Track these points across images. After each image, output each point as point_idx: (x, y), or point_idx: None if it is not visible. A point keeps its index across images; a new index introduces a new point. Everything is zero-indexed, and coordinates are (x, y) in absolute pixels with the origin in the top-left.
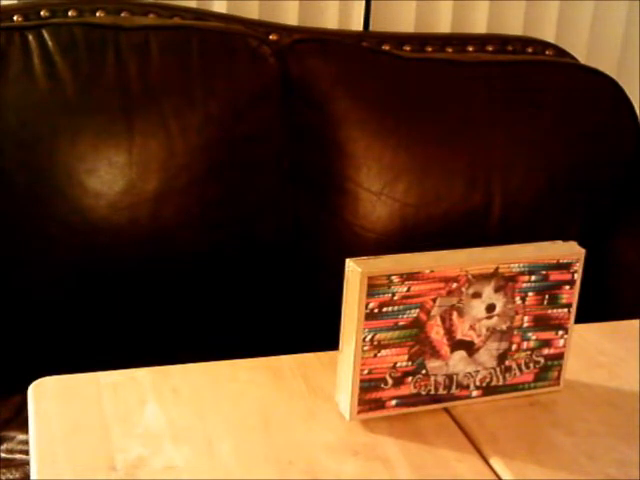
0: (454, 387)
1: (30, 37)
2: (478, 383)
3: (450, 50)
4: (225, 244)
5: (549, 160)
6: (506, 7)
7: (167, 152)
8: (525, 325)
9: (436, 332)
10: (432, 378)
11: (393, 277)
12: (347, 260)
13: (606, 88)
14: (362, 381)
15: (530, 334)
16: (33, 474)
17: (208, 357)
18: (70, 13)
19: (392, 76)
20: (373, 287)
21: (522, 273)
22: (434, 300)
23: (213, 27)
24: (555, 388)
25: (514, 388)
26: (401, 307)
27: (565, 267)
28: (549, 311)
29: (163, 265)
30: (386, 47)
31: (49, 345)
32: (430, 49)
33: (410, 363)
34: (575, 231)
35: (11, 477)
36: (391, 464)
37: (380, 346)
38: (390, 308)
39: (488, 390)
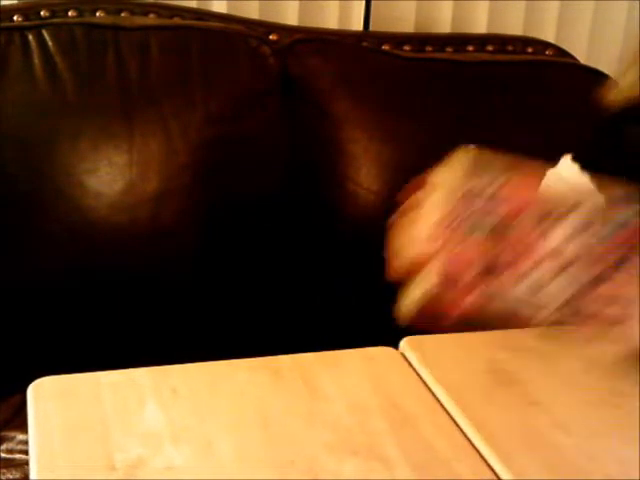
0: (527, 305)
1: (30, 37)
2: (551, 306)
3: (450, 50)
4: (225, 244)
5: (549, 160)
6: (506, 7)
7: (167, 152)
8: (611, 261)
9: (519, 243)
10: (508, 289)
11: (493, 164)
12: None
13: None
14: (445, 266)
15: (612, 271)
16: (33, 474)
17: (208, 357)
18: (70, 13)
19: (392, 76)
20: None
21: (614, 202)
22: (522, 207)
23: (213, 27)
24: None
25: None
26: (492, 201)
27: None
28: None
29: (163, 265)
30: (386, 47)
31: (49, 345)
32: (430, 49)
33: (486, 267)
34: None
35: (11, 477)
36: (391, 464)
37: (463, 236)
38: (482, 197)
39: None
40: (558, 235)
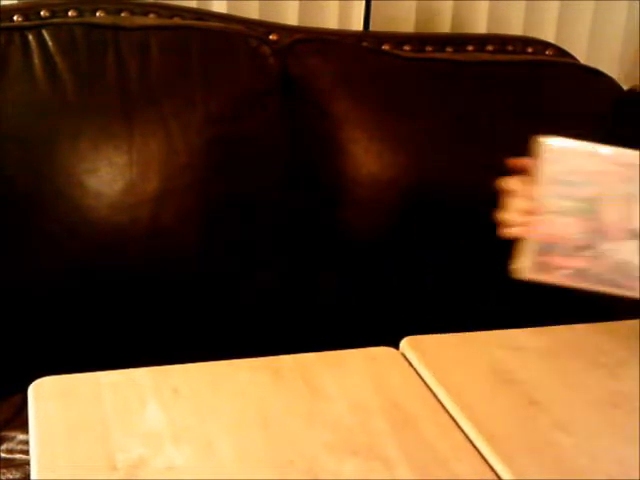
0: (624, 276)
1: (30, 37)
2: None
3: (450, 50)
4: (225, 244)
5: None
6: (506, 7)
7: (167, 152)
8: None
9: (612, 214)
10: (604, 259)
11: (577, 148)
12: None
13: (607, 88)
14: (537, 242)
15: None
16: (33, 474)
17: (209, 357)
18: (70, 13)
19: (392, 76)
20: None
21: None
22: (613, 182)
23: (213, 27)
24: None
25: None
26: (581, 180)
27: None
28: None
29: (163, 265)
30: (386, 47)
31: (49, 345)
32: (430, 49)
33: (584, 237)
34: None
35: (11, 477)
36: (391, 464)
37: (557, 212)
38: (571, 177)
39: None
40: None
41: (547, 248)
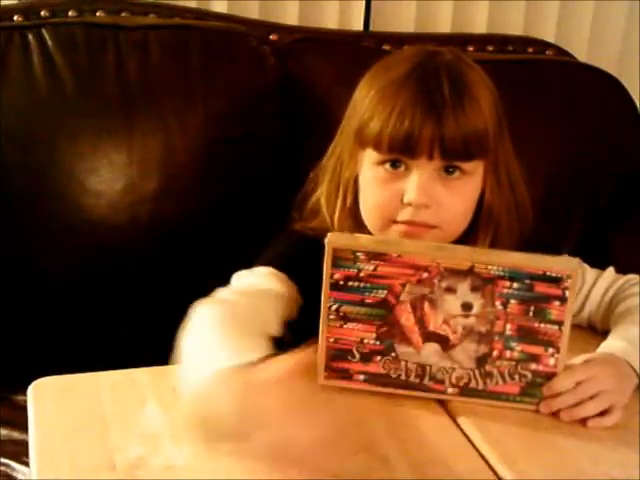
0: (427, 378)
1: (30, 37)
2: (454, 381)
3: None
4: (225, 244)
5: (550, 160)
6: (506, 7)
7: (167, 151)
8: (508, 333)
9: (406, 318)
10: (402, 363)
11: (359, 254)
12: (329, 233)
13: (608, 86)
14: (329, 348)
15: (514, 344)
16: (33, 474)
17: None
18: (70, 13)
19: None
20: (339, 259)
21: (501, 277)
22: (403, 285)
23: (213, 27)
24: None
25: (496, 397)
26: (367, 285)
27: (554, 281)
28: (536, 324)
29: (163, 264)
30: (386, 47)
31: (49, 345)
32: None
33: (378, 342)
34: (574, 231)
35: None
36: (391, 464)
37: (346, 318)
38: (356, 283)
39: (466, 391)
40: (445, 311)
41: (341, 354)
